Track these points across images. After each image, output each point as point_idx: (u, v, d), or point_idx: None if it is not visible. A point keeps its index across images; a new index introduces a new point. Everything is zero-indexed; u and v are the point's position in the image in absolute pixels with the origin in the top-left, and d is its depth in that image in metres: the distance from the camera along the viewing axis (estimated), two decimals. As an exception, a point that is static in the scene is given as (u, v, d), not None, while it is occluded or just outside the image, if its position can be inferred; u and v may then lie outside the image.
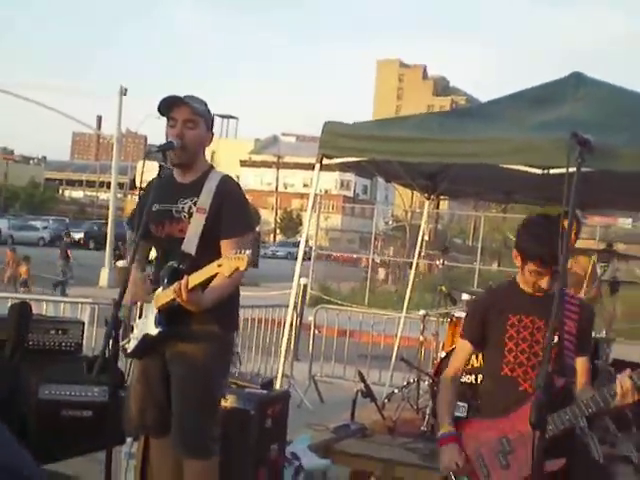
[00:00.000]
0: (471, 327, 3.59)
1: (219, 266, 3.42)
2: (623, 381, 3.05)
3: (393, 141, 5.82)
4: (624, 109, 5.94)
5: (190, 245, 3.74)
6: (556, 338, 3.32)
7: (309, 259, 19.94)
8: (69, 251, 22.63)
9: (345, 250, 41.48)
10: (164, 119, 3.85)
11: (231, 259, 3.37)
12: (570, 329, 3.36)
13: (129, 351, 3.82)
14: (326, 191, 59.80)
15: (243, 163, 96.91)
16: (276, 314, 10.70)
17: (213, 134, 3.98)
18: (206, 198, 3.77)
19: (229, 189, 3.86)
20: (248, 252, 3.36)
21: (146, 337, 3.75)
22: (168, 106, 3.81)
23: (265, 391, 4.71)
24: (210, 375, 3.79)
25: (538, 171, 5.71)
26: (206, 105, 3.91)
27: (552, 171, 5.59)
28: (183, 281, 3.50)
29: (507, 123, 5.93)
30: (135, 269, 3.80)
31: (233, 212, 3.80)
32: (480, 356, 4.06)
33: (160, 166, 3.74)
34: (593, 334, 5.66)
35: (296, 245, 51.82)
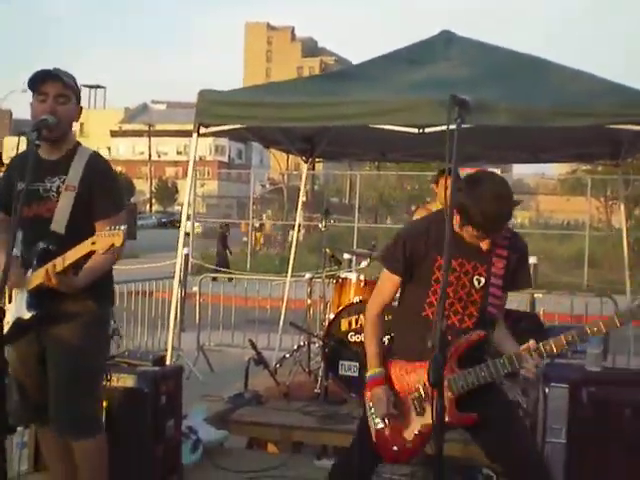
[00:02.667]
0: (400, 260, 3.38)
1: (93, 244, 3.33)
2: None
3: (272, 107, 5.75)
4: (493, 66, 6.08)
5: (59, 224, 3.62)
6: (483, 280, 3.30)
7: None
8: None
9: (223, 216, 41.21)
10: (29, 93, 3.70)
11: (105, 235, 3.30)
12: (497, 270, 3.29)
13: (2, 337, 3.67)
14: (201, 158, 59.15)
15: (114, 133, 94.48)
16: (159, 286, 10.58)
17: (82, 108, 3.88)
18: (75, 175, 3.66)
19: (99, 167, 3.76)
20: (123, 227, 3.31)
21: (19, 321, 3.60)
22: (39, 80, 3.66)
23: (157, 368, 4.65)
24: (86, 357, 3.68)
25: (414, 130, 5.78)
26: (75, 79, 3.80)
27: (427, 130, 5.69)
28: (50, 265, 3.42)
29: (382, 84, 5.98)
30: (2, 253, 3.64)
31: (104, 192, 3.70)
32: None
33: (34, 144, 3.57)
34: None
35: (171, 214, 50.86)
